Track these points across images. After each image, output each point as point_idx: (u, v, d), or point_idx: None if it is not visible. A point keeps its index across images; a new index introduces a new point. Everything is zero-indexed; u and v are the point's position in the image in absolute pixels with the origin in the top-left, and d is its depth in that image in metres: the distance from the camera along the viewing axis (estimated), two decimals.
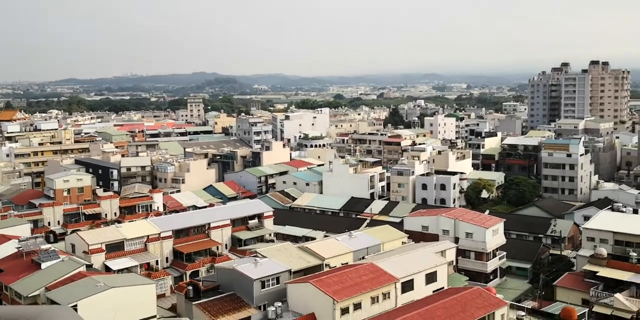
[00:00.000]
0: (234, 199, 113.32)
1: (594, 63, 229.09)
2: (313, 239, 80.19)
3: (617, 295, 58.14)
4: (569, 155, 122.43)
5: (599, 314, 58.15)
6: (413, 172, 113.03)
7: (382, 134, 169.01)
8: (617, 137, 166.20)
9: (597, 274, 62.10)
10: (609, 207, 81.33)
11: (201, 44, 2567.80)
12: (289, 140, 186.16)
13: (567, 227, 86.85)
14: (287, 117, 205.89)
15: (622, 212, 76.58)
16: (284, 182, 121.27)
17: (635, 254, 63.31)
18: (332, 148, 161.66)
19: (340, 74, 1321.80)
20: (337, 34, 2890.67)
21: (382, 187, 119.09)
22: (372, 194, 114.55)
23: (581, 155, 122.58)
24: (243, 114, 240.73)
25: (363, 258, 61.68)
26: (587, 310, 55.41)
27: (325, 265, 59.41)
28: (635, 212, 78.07)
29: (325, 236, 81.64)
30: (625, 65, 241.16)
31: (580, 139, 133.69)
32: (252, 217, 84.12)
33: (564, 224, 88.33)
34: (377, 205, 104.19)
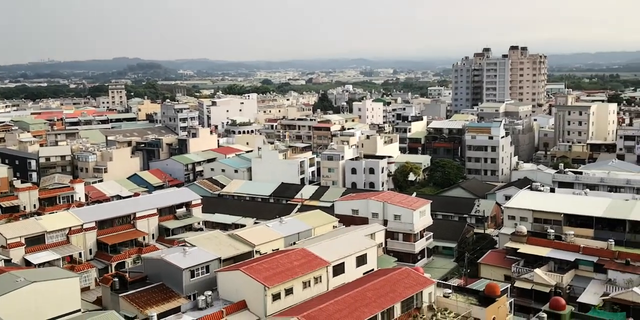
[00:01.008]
0: (160, 187, 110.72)
1: (513, 48, 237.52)
2: (243, 226, 79.41)
3: (537, 270, 60.85)
4: (490, 138, 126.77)
5: (520, 288, 60.72)
6: (343, 156, 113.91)
7: (311, 120, 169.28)
8: (535, 120, 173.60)
9: (518, 251, 64.70)
10: (528, 186, 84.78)
11: (122, 28, 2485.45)
12: (216, 126, 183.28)
13: (489, 207, 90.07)
14: (214, 103, 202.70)
15: (540, 191, 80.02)
16: (212, 169, 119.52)
17: (552, 231, 66.40)
18: (260, 134, 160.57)
19: (268, 58, 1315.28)
20: (264, 18, 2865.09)
21: (313, 172, 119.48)
22: (302, 180, 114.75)
23: (502, 137, 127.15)
24: (168, 100, 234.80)
25: (294, 244, 61.52)
26: (509, 285, 57.62)
27: (256, 252, 58.91)
28: (552, 190, 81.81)
29: (256, 223, 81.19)
30: (542, 50, 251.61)
31: (501, 122, 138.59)
32: (179, 206, 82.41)
33: (486, 204, 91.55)
34: (308, 191, 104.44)
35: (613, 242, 62.33)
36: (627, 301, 53.44)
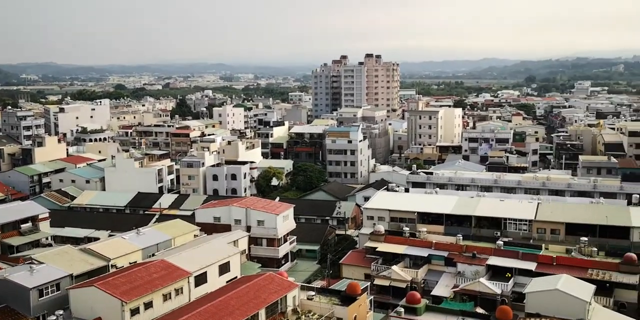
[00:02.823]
0: (2, 201, 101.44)
1: (368, 56, 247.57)
2: (97, 239, 74.81)
3: (394, 267, 63.57)
4: (349, 142, 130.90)
5: (379, 286, 63.10)
6: (203, 163, 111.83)
7: (169, 126, 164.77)
8: (390, 124, 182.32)
9: (377, 250, 67.23)
10: (385, 187, 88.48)
11: None
12: (64, 134, 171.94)
13: (350, 209, 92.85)
14: (61, 110, 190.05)
15: (396, 191, 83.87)
16: (61, 180, 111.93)
17: (407, 229, 69.81)
18: (114, 142, 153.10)
19: (121, 62, 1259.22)
20: (117, 20, 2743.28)
21: (172, 180, 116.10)
22: (160, 188, 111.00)
23: (360, 141, 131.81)
24: (9, 107, 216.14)
25: (153, 255, 59.40)
26: (369, 283, 59.61)
27: (112, 266, 56.10)
28: (406, 190, 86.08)
29: (111, 235, 77.10)
30: (395, 58, 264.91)
31: (359, 126, 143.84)
32: (24, 221, 76.00)
33: (347, 205, 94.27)
34: (167, 199, 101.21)
35: (461, 237, 66.77)
36: (474, 291, 57.46)
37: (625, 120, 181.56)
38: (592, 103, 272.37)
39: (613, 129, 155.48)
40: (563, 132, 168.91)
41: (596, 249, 61.49)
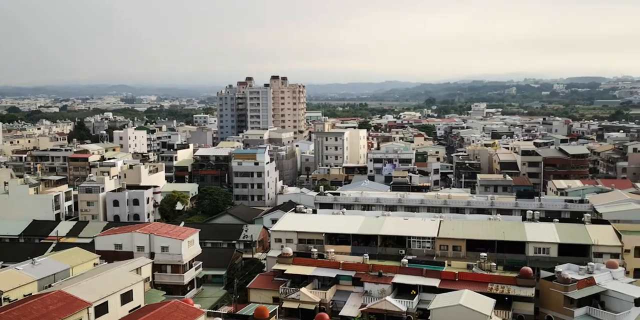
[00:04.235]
0: None
1: (274, 78, 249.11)
2: None
3: (303, 289, 63.33)
4: (256, 164, 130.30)
5: (288, 308, 62.57)
6: (103, 188, 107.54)
7: (66, 150, 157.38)
8: (297, 146, 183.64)
9: (285, 272, 66.79)
10: (293, 209, 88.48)
11: None
12: None
13: (257, 232, 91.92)
14: None
15: (304, 212, 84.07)
16: None
17: (315, 250, 69.94)
18: (7, 167, 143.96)
19: (15, 84, 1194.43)
20: (12, 39, 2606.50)
21: (70, 206, 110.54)
22: (57, 215, 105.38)
23: (267, 163, 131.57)
24: None
25: (50, 286, 56.51)
26: (277, 307, 58.97)
27: (4, 299, 52.78)
28: (314, 212, 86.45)
29: (3, 266, 71.84)
30: (301, 80, 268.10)
31: (266, 148, 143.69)
32: None
33: (254, 228, 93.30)
34: (64, 227, 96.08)
35: (368, 256, 67.67)
36: (381, 310, 58.22)
37: (518, 140, 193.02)
38: (487, 124, 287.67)
39: (507, 148, 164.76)
40: (462, 151, 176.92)
41: (495, 264, 64.20)
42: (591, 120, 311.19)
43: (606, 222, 74.77)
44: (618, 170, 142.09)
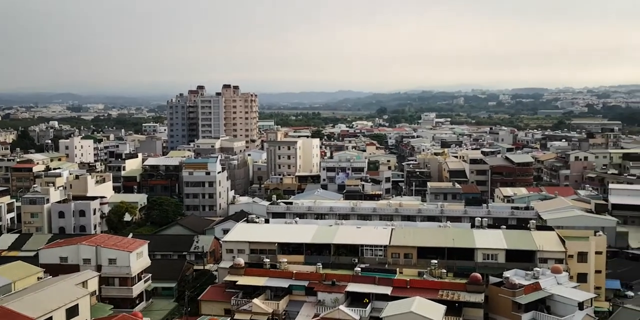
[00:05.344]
0: None
1: (226, 87, 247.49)
2: None
3: (255, 300, 62.64)
4: (207, 174, 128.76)
5: None
6: (48, 199, 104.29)
7: (9, 160, 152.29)
8: (249, 155, 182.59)
9: (237, 283, 65.91)
10: (245, 219, 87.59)
11: None
12: None
13: (208, 242, 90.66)
14: None
15: (256, 222, 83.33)
16: None
17: (268, 260, 69.38)
18: None
19: None
20: None
21: (12, 218, 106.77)
22: None
23: (219, 172, 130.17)
24: None
25: None
26: (229, 319, 58.24)
27: None
28: (267, 221, 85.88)
29: None
30: (253, 89, 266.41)
31: (217, 157, 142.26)
32: None
33: (205, 239, 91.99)
34: (6, 240, 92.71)
35: (321, 265, 67.53)
36: (334, 319, 58.05)
37: (467, 149, 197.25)
38: (437, 133, 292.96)
39: (456, 157, 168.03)
40: (412, 160, 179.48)
41: (445, 271, 65.04)
42: (535, 130, 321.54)
43: (550, 229, 76.88)
44: (561, 178, 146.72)
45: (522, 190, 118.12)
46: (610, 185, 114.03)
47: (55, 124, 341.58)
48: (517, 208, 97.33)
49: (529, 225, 77.29)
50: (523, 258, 68.46)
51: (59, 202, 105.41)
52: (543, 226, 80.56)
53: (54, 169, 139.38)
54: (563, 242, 69.70)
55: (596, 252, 69.90)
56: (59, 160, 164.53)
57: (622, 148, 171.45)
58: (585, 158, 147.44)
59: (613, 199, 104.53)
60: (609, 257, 77.20)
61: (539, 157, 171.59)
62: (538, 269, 63.24)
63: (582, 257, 68.87)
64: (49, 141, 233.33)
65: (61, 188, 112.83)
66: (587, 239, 71.86)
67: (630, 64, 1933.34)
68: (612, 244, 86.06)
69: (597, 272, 70.08)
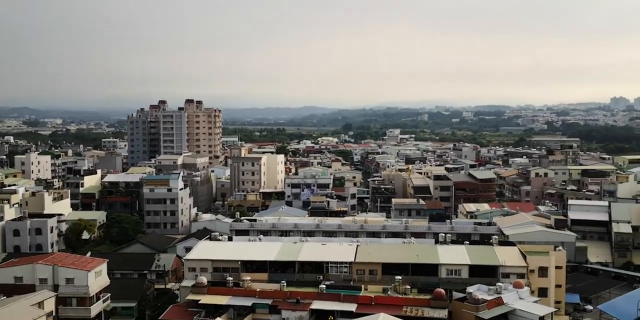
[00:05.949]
0: None
1: (189, 101, 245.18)
2: None
3: (217, 319, 61.42)
4: (169, 190, 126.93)
5: None
6: (2, 217, 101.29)
7: None
8: (213, 171, 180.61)
9: (200, 302, 64.72)
10: (207, 237, 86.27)
11: None
12: None
13: (170, 261, 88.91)
14: None
15: (219, 240, 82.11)
16: None
17: (231, 278, 68.30)
18: None
19: None
20: None
21: None
22: None
23: (181, 189, 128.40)
24: None
25: None
26: None
27: None
28: (230, 239, 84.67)
29: None
30: (217, 104, 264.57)
31: (180, 173, 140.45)
32: None
33: (167, 257, 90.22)
34: None
35: (285, 283, 66.81)
36: None
37: (431, 165, 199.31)
38: (401, 149, 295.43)
39: (420, 173, 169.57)
40: (378, 176, 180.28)
41: (409, 287, 65.08)
42: (497, 147, 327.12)
43: (512, 244, 77.89)
44: (522, 194, 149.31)
45: (485, 206, 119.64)
46: (570, 201, 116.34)
47: (11, 139, 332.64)
48: (479, 224, 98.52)
49: (491, 240, 78.17)
50: (486, 273, 68.98)
51: (14, 219, 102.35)
52: (505, 241, 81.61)
53: (9, 185, 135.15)
54: (524, 257, 70.54)
55: (556, 267, 70.91)
56: (14, 176, 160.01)
57: (580, 164, 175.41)
58: (546, 174, 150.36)
59: (572, 215, 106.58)
60: (568, 271, 78.46)
61: (501, 173, 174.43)
62: (500, 284, 63.81)
63: (543, 271, 69.74)
64: (4, 157, 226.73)
65: (16, 205, 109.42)
66: (547, 254, 72.91)
67: (588, 82, 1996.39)
68: (571, 258, 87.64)
69: (557, 286, 71.05)
